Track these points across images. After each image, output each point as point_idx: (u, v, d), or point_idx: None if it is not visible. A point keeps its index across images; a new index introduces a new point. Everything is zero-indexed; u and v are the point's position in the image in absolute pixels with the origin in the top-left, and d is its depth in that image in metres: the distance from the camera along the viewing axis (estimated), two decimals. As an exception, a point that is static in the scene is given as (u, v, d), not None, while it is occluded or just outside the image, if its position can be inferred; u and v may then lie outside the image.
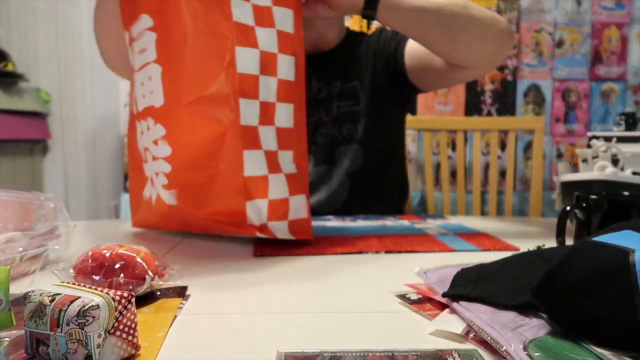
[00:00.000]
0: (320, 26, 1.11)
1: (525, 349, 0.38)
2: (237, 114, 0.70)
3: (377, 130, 1.14)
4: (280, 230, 0.75)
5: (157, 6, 0.75)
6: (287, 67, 0.76)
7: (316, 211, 1.12)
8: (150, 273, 0.52)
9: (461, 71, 1.04)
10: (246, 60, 0.71)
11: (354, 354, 0.39)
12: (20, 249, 0.58)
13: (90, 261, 0.53)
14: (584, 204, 0.68)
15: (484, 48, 0.93)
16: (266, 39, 0.74)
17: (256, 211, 0.72)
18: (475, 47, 0.93)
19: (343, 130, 1.12)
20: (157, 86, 0.75)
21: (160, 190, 0.77)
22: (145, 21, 0.76)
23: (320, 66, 1.12)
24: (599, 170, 0.87)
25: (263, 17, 0.74)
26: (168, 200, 0.75)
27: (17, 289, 0.51)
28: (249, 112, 0.71)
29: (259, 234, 0.73)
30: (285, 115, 0.76)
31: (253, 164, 0.72)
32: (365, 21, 2.11)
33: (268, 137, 0.74)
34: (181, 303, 0.52)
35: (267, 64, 0.74)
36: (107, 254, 0.53)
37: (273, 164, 0.74)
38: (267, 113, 0.74)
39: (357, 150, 1.12)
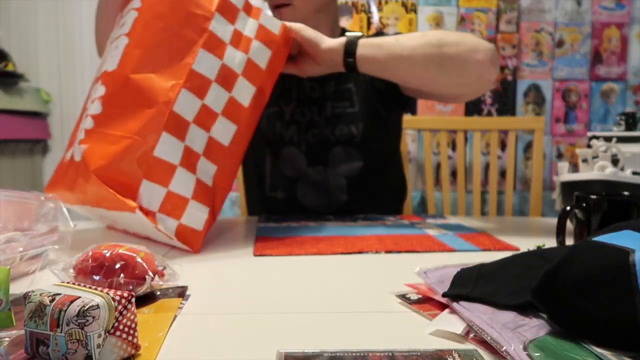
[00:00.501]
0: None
1: (525, 349, 0.38)
2: (173, 99, 0.73)
3: (375, 133, 1.13)
4: (167, 225, 0.73)
5: None
6: (244, 92, 0.80)
7: (315, 212, 1.12)
8: (150, 273, 0.52)
9: (447, 98, 1.10)
10: (205, 63, 0.76)
11: (354, 354, 0.39)
12: (20, 249, 0.58)
13: (90, 261, 0.53)
14: (584, 204, 0.68)
15: (463, 82, 0.95)
16: (234, 58, 0.79)
17: (149, 194, 0.72)
18: (454, 82, 0.95)
19: (336, 132, 1.12)
20: (118, 54, 0.78)
21: (76, 145, 0.77)
22: (135, 2, 0.81)
23: None
24: (599, 170, 0.87)
25: (240, 41, 0.80)
26: (76, 154, 0.76)
27: (17, 289, 0.51)
28: (186, 104, 0.74)
29: (139, 212, 0.71)
30: (223, 130, 0.79)
31: (167, 148, 0.73)
32: (365, 22, 2.11)
33: (196, 138, 0.76)
34: (181, 303, 0.52)
35: (226, 78, 0.78)
36: (107, 254, 0.53)
37: (189, 162, 0.75)
38: (205, 117, 0.76)
39: (354, 153, 1.12)
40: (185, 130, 0.74)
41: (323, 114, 1.12)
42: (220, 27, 0.78)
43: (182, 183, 0.74)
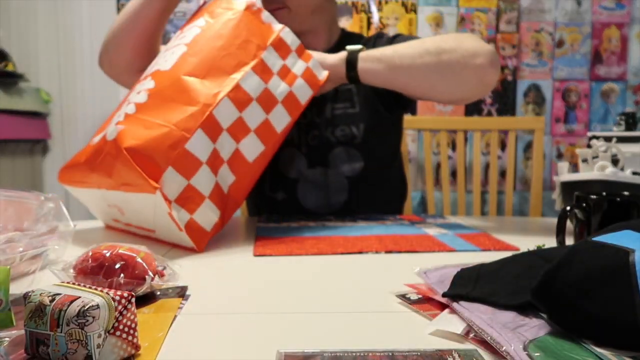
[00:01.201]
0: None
1: (525, 349, 0.38)
2: (215, 104, 0.78)
3: (376, 134, 1.13)
4: (179, 216, 0.74)
5: (212, 11, 0.91)
6: (280, 119, 0.86)
7: (315, 213, 1.12)
8: (150, 273, 0.52)
9: (449, 102, 1.11)
10: (251, 83, 0.82)
11: (354, 354, 0.39)
12: (20, 249, 0.58)
13: (90, 261, 0.53)
14: (584, 204, 0.68)
15: (464, 87, 0.96)
16: (278, 87, 0.86)
17: (171, 181, 0.74)
18: (454, 88, 0.96)
19: (337, 132, 1.12)
20: (173, 58, 0.85)
21: (112, 126, 0.80)
22: (200, 21, 0.90)
23: None
24: (599, 170, 0.87)
25: (286, 75, 0.88)
26: (110, 134, 0.78)
27: (17, 289, 0.51)
28: (225, 112, 0.79)
29: (159, 193, 0.72)
30: (252, 147, 0.83)
31: (198, 144, 0.76)
32: (365, 22, 2.11)
33: (225, 145, 0.80)
34: (181, 303, 0.52)
35: (266, 101, 0.84)
36: (107, 254, 0.53)
37: (214, 164, 0.79)
38: (238, 129, 0.81)
39: (356, 154, 1.12)
40: (218, 134, 0.79)
41: (323, 115, 1.12)
42: (271, 58, 0.86)
43: (203, 180, 0.77)
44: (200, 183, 0.76)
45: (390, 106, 1.15)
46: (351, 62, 0.94)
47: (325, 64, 0.95)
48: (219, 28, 0.87)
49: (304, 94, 0.90)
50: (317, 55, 0.95)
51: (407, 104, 1.20)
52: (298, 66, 0.90)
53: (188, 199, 0.75)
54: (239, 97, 0.81)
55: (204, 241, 0.77)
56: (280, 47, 0.88)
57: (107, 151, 0.78)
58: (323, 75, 0.93)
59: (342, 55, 0.95)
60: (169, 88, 0.81)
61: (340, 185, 1.12)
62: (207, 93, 0.79)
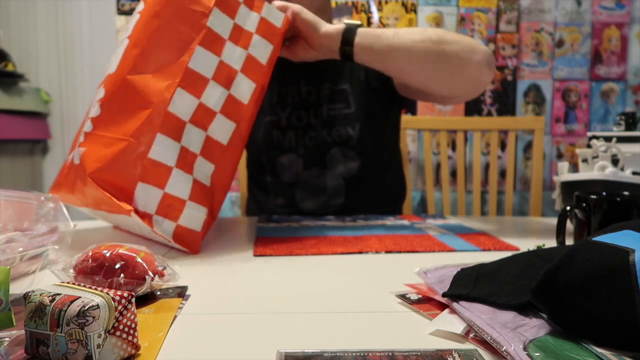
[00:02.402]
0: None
1: (525, 349, 0.38)
2: (168, 99, 0.72)
3: (372, 134, 1.13)
4: (164, 228, 0.72)
5: None
6: (244, 89, 0.78)
7: (314, 214, 1.12)
8: (150, 273, 0.52)
9: (441, 99, 1.09)
10: (202, 61, 0.75)
11: (354, 354, 0.39)
12: (20, 249, 0.58)
13: (90, 261, 0.53)
14: (584, 204, 0.68)
15: (459, 81, 0.95)
16: (233, 54, 0.77)
17: (145, 196, 0.71)
18: (450, 81, 0.95)
19: (333, 133, 1.12)
20: (119, 56, 0.78)
21: (76, 149, 0.77)
22: (140, 5, 0.81)
23: (310, 69, 1.12)
24: (599, 170, 0.87)
25: (240, 37, 0.78)
26: (76, 157, 0.76)
27: (17, 289, 0.51)
28: (182, 104, 0.73)
29: (134, 215, 0.70)
30: (222, 129, 0.77)
31: (162, 150, 0.72)
32: (365, 22, 2.11)
33: (192, 138, 0.75)
34: (181, 303, 0.52)
35: (224, 76, 0.77)
36: (107, 254, 0.53)
37: (185, 163, 0.74)
38: (202, 116, 0.75)
39: (352, 155, 1.12)
40: (182, 130, 0.73)
41: (319, 117, 1.12)
42: (219, 23, 0.76)
43: (179, 185, 0.73)
44: (176, 188, 0.73)
45: (384, 104, 1.15)
46: (348, 36, 0.89)
47: (320, 31, 0.89)
48: (153, 4, 0.77)
49: (264, 53, 0.80)
50: (312, 19, 0.89)
51: (401, 102, 1.19)
52: (251, 21, 0.80)
53: (169, 207, 0.72)
54: (192, 83, 0.74)
55: (197, 242, 0.75)
56: (226, 4, 0.77)
57: (78, 175, 0.75)
58: (281, 20, 0.83)
59: (339, 27, 0.90)
60: (117, 94, 0.75)
61: (337, 186, 1.12)
62: (158, 89, 0.73)
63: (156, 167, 0.72)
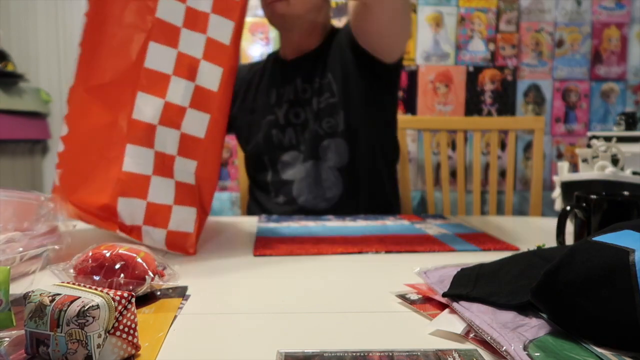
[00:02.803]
0: (303, 29, 1.14)
1: (525, 349, 0.38)
2: (131, 107, 0.69)
3: (358, 121, 1.14)
4: (154, 237, 0.71)
5: None
6: (211, 76, 0.73)
7: (314, 208, 1.12)
8: (150, 273, 0.52)
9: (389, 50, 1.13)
10: (158, 57, 0.70)
11: (354, 354, 0.39)
12: (20, 249, 0.58)
13: (90, 261, 0.53)
14: (584, 204, 0.68)
15: (407, 33, 1.07)
16: (191, 42, 0.71)
17: (130, 209, 0.69)
18: (404, 31, 1.07)
19: (323, 125, 1.13)
20: (74, 67, 0.75)
21: (55, 169, 0.76)
22: (85, 5, 0.76)
23: (305, 67, 1.12)
24: (599, 170, 0.87)
25: (196, 21, 0.72)
26: (56, 179, 0.75)
27: (17, 289, 0.51)
28: (146, 108, 0.69)
29: (120, 232, 0.69)
30: (196, 123, 0.73)
31: (135, 160, 0.69)
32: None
33: (166, 140, 0.71)
34: (181, 303, 0.52)
35: (186, 67, 0.71)
36: (107, 254, 0.53)
37: (163, 167, 0.71)
38: (172, 115, 0.71)
39: (341, 144, 1.13)
40: (152, 135, 0.70)
41: (312, 111, 1.14)
42: (169, 11, 0.70)
43: (161, 191, 0.71)
44: (159, 195, 0.70)
45: (369, 90, 1.15)
46: None
47: None
48: (96, 4, 0.73)
49: (226, 32, 0.73)
50: None
51: (381, 73, 1.16)
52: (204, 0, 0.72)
53: (156, 215, 0.70)
54: (153, 83, 0.69)
55: (192, 244, 0.73)
56: None
57: (61, 194, 0.74)
58: None
59: None
60: (79, 109, 0.72)
61: (333, 177, 1.13)
62: (117, 98, 0.69)
63: (133, 179, 0.69)
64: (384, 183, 1.22)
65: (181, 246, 0.73)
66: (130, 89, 0.69)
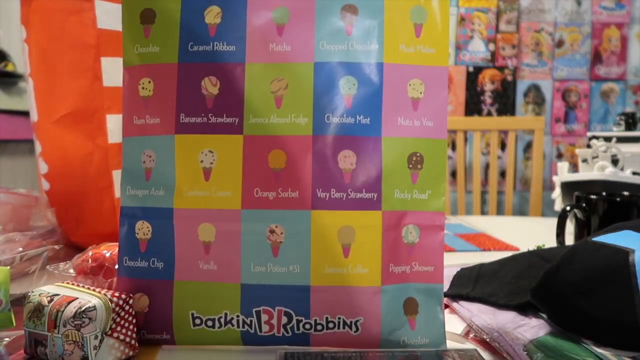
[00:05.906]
0: None
1: (525, 349, 0.38)
2: (104, 132, 0.66)
3: None
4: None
5: (25, 14, 0.69)
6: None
7: None
8: (149, 273, 0.52)
9: None
10: (114, 73, 0.65)
11: (354, 354, 0.39)
12: (20, 249, 0.58)
13: (90, 261, 0.53)
14: (584, 204, 0.68)
15: None
16: None
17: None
18: None
19: None
20: (32, 101, 0.70)
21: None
22: (22, 32, 0.71)
23: None
24: (599, 170, 0.87)
25: None
26: (53, 219, 0.71)
27: (17, 289, 0.51)
28: (119, 129, 0.65)
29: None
30: None
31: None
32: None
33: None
34: (181, 303, 0.52)
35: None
36: (107, 254, 0.53)
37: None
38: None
39: None
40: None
41: None
42: (110, 17, 0.65)
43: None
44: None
45: None
46: None
47: None
48: (35, 29, 0.68)
49: None
50: None
51: None
52: None
53: None
54: (117, 101, 0.64)
55: None
56: None
57: (64, 239, 0.71)
58: None
59: None
60: (53, 144, 0.68)
61: None
62: (86, 123, 0.65)
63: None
64: None
65: None
66: (98, 113, 0.66)
